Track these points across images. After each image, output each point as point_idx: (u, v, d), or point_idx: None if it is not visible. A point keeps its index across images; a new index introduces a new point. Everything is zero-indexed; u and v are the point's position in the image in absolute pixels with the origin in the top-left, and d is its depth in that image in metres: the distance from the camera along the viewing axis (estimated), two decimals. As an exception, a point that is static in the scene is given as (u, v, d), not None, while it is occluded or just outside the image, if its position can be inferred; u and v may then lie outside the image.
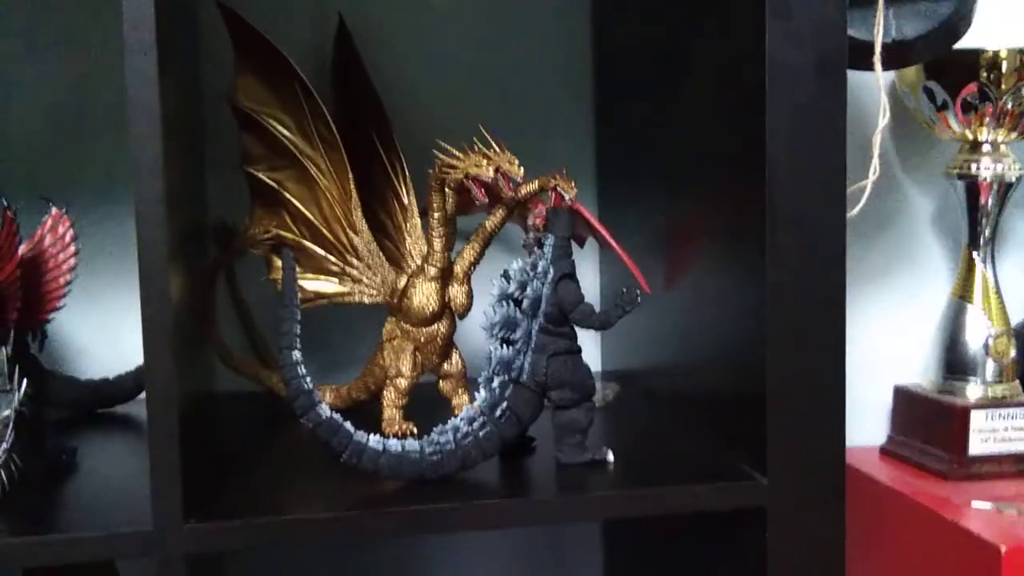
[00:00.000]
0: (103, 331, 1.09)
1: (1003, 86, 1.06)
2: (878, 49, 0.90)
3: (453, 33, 1.13)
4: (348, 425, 0.73)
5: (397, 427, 0.87)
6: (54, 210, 0.93)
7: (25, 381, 0.77)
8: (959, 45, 0.99)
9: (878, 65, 0.90)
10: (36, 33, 1.06)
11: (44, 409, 0.91)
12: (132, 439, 0.97)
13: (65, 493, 0.79)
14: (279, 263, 0.94)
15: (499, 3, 1.13)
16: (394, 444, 0.75)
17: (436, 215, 0.86)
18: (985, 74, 1.06)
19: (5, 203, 0.82)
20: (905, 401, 1.16)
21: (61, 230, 0.92)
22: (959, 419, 1.08)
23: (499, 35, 1.14)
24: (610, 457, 0.80)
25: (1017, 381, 1.12)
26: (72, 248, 0.93)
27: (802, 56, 0.73)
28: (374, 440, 0.74)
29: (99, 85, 1.07)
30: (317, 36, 1.05)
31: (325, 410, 0.73)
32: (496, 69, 1.14)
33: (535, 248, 0.80)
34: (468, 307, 0.90)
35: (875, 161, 0.90)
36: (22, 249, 0.87)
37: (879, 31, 0.89)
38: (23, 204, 0.87)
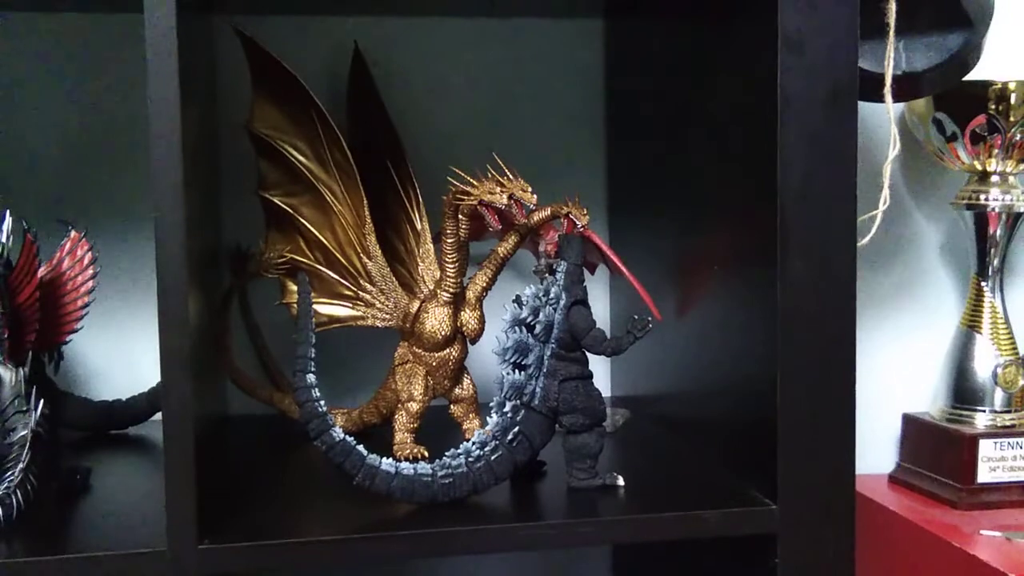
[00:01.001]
0: (117, 353, 1.09)
1: (1012, 118, 1.07)
2: (888, 81, 0.90)
3: (467, 62, 1.14)
4: (361, 448, 0.74)
5: (408, 450, 0.87)
6: (73, 233, 0.93)
7: (42, 402, 0.78)
8: (968, 77, 1.00)
9: (888, 97, 0.90)
10: (56, 57, 1.07)
11: (59, 430, 0.91)
12: (146, 460, 0.98)
13: (79, 513, 0.79)
14: (293, 287, 0.95)
15: (513, 32, 1.14)
16: (406, 467, 0.75)
17: (449, 241, 0.87)
18: (994, 106, 1.07)
19: (25, 226, 0.83)
20: (914, 429, 1.16)
21: (80, 253, 0.93)
22: (968, 447, 1.08)
23: (513, 64, 1.15)
24: (620, 482, 0.80)
25: (1026, 410, 1.12)
26: (90, 271, 0.93)
27: (814, 88, 0.73)
28: (386, 463, 0.74)
29: (118, 109, 1.08)
30: (333, 64, 1.06)
31: (338, 433, 0.73)
32: (509, 97, 1.15)
33: (547, 274, 0.80)
34: (480, 332, 0.90)
35: (885, 191, 0.91)
36: (41, 272, 0.88)
37: (889, 64, 0.90)
38: (43, 227, 0.88)
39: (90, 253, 0.93)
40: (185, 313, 0.68)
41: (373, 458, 0.74)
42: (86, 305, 0.93)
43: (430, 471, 0.75)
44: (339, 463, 0.73)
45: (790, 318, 0.74)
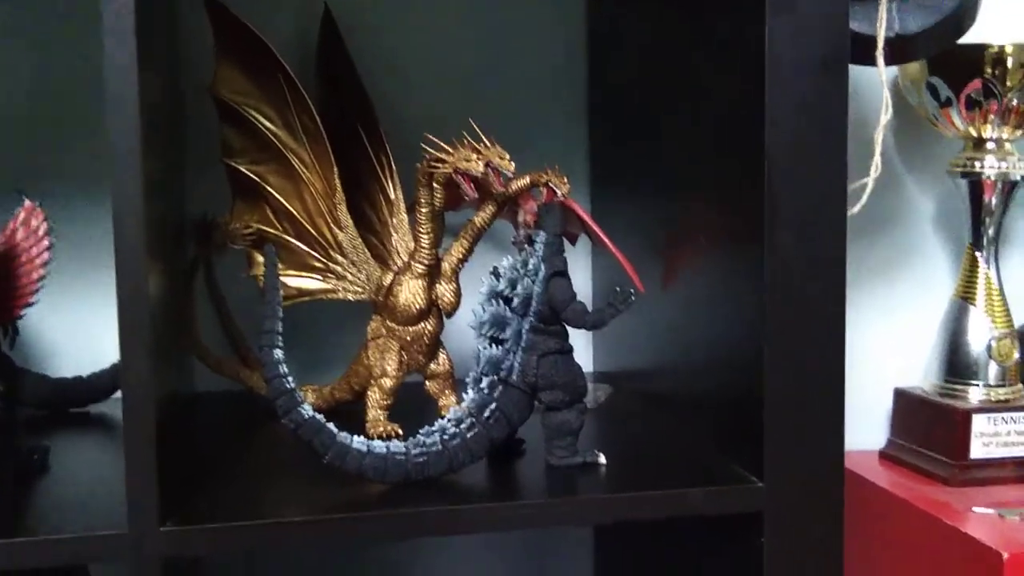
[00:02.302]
0: (77, 328, 1.09)
1: (1008, 83, 1.07)
2: (880, 44, 0.90)
3: (443, 23, 1.13)
4: (331, 426, 0.74)
5: (382, 428, 0.87)
6: (27, 202, 0.93)
7: (-3, 379, 0.77)
8: (963, 40, 1.00)
9: (880, 60, 0.90)
10: (10, 20, 1.06)
11: (15, 408, 0.91)
12: (106, 439, 0.97)
13: (37, 495, 0.79)
14: (260, 259, 0.94)
15: (491, -8, 1.14)
16: (379, 445, 0.75)
17: (423, 210, 0.86)
18: (990, 70, 1.07)
19: (-24, 195, 0.82)
20: (906, 404, 1.17)
21: (34, 223, 0.92)
22: (961, 423, 1.09)
23: (491, 25, 1.14)
24: (602, 460, 0.80)
25: (1020, 384, 1.13)
26: (45, 242, 0.92)
27: (803, 50, 0.73)
28: (358, 441, 0.74)
29: (75, 74, 1.06)
30: (301, 25, 1.05)
31: (307, 410, 0.73)
32: (487, 61, 1.14)
33: (526, 245, 0.80)
34: (456, 305, 0.90)
35: (876, 158, 0.91)
36: (-6, 243, 0.87)
37: (882, 25, 0.90)
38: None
39: (45, 223, 0.93)
40: (144, 286, 0.67)
41: (344, 436, 0.74)
42: (42, 278, 0.92)
43: (403, 449, 0.75)
44: (308, 441, 0.73)
45: (777, 290, 0.74)
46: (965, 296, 1.14)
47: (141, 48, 0.66)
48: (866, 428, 1.19)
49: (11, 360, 0.95)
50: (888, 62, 0.91)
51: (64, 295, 1.07)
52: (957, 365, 1.13)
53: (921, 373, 1.18)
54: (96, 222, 1.07)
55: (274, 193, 0.93)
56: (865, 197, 0.90)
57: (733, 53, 0.78)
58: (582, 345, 1.06)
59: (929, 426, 1.13)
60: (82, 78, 1.06)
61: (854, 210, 0.86)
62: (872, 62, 0.91)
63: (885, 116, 0.90)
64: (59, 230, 0.96)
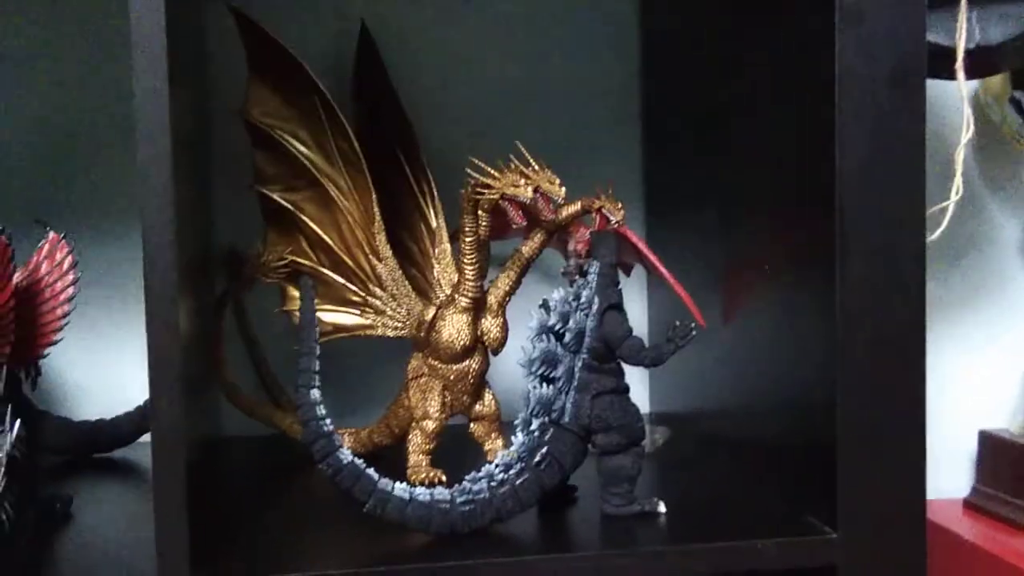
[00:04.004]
0: (102, 367, 1.10)
1: (1100, 96, 1.06)
2: (960, 56, 0.90)
3: (488, 40, 1.15)
4: (371, 471, 0.74)
5: (424, 474, 0.87)
6: (52, 234, 0.94)
7: (18, 423, 0.78)
8: (1050, 51, 0.99)
9: (960, 74, 0.90)
10: (30, 38, 1.08)
11: (37, 454, 0.92)
12: (133, 486, 0.98)
13: (60, 546, 0.80)
14: (295, 293, 0.95)
15: (540, 9, 1.14)
16: (422, 493, 0.75)
17: (468, 240, 0.86)
18: (1080, 83, 1.06)
19: (-1, 226, 0.84)
20: (992, 448, 1.15)
21: (59, 256, 0.94)
22: (1053, 469, 1.07)
23: (539, 42, 1.15)
24: (661, 508, 0.80)
25: (1118, 426, 1.11)
26: (71, 276, 0.94)
27: (876, 64, 0.73)
28: (400, 488, 0.74)
29: (101, 101, 1.09)
30: (338, 45, 1.06)
31: (347, 454, 0.74)
32: (535, 79, 1.15)
33: (577, 276, 0.80)
34: (503, 341, 0.90)
35: (957, 180, 0.90)
36: (16, 277, 0.88)
37: (961, 36, 0.89)
38: (17, 228, 0.88)
39: (71, 256, 0.94)
40: (176, 323, 0.68)
41: (385, 482, 0.74)
42: (66, 314, 0.94)
43: (448, 497, 0.75)
44: (347, 488, 0.74)
45: (850, 324, 0.74)
46: (1056, 329, 1.12)
47: (173, 71, 0.68)
48: (949, 474, 1.18)
49: (31, 403, 0.97)
50: (968, 76, 0.91)
51: (89, 333, 1.09)
52: (1048, 405, 1.12)
53: (1008, 414, 1.16)
54: (124, 255, 1.09)
55: (309, 223, 0.94)
56: (945, 222, 0.90)
57: (800, 68, 0.78)
58: (638, 384, 1.06)
59: (1018, 472, 1.11)
60: (108, 104, 1.08)
61: (933, 236, 0.86)
62: (951, 76, 0.90)
63: (966, 134, 0.90)
64: (85, 264, 0.97)
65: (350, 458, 0.74)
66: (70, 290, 0.94)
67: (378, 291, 0.93)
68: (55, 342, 0.94)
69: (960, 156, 0.90)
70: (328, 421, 0.74)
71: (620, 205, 0.84)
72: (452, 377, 0.90)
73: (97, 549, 0.79)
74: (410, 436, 0.91)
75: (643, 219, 1.15)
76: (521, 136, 0.83)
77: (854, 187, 0.73)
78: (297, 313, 0.93)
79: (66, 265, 0.94)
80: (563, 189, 0.82)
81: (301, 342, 0.76)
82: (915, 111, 0.74)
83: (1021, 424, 1.14)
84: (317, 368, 0.75)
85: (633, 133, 1.17)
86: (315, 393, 0.74)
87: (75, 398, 1.10)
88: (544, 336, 0.79)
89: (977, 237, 1.23)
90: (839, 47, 0.73)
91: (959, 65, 0.90)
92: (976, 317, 1.23)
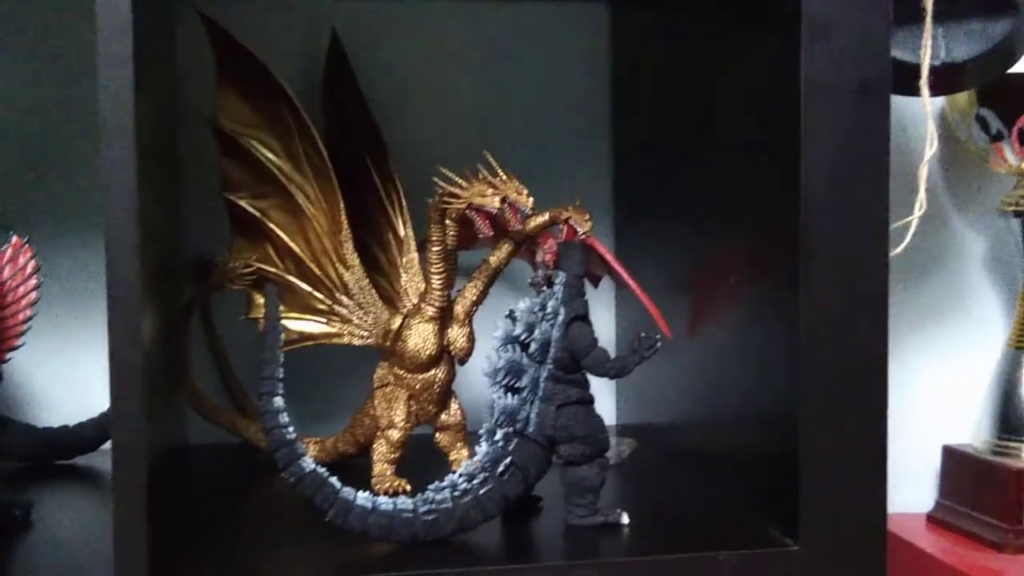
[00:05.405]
0: (64, 374, 1.09)
1: (1064, 114, 1.07)
2: (925, 72, 0.90)
3: (458, 49, 1.15)
4: (334, 480, 0.74)
5: (388, 483, 0.87)
6: (14, 238, 0.93)
7: (-23, 428, 0.78)
8: (1015, 69, 1.00)
9: (925, 90, 0.91)
10: (-2, 44, 1.08)
11: (-3, 459, 0.91)
12: (94, 495, 0.98)
13: (17, 554, 0.79)
14: (261, 300, 0.95)
15: (509, 18, 1.15)
16: (384, 502, 0.75)
17: (435, 249, 0.86)
18: (1044, 101, 1.07)
19: (-41, 231, 0.83)
20: (955, 463, 1.16)
21: (21, 261, 0.93)
22: (1015, 484, 1.08)
23: (508, 52, 1.16)
24: (625, 520, 0.80)
25: (1080, 442, 1.12)
26: (33, 281, 0.93)
27: (842, 79, 0.74)
28: (363, 497, 0.74)
29: (65, 104, 1.08)
30: (307, 52, 1.06)
31: (309, 463, 0.73)
32: (505, 89, 1.16)
33: (544, 287, 0.80)
34: (469, 351, 0.90)
35: (921, 195, 0.91)
36: (-23, 282, 0.88)
37: (927, 52, 0.90)
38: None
39: (33, 261, 0.93)
40: (139, 329, 0.68)
41: (348, 491, 0.74)
42: (28, 319, 0.93)
43: (411, 506, 0.75)
44: (309, 497, 0.73)
45: (815, 337, 0.75)
46: (1019, 344, 1.13)
47: (139, 75, 0.67)
48: (912, 488, 1.19)
49: (-8, 408, 0.96)
50: (934, 92, 0.91)
51: (52, 338, 1.08)
52: (1011, 420, 1.12)
53: (972, 429, 1.17)
54: (87, 260, 1.08)
55: (276, 230, 0.93)
56: (909, 237, 0.90)
57: (766, 81, 0.79)
58: (604, 395, 1.06)
59: (981, 487, 1.12)
60: (72, 107, 1.08)
61: (897, 251, 0.86)
62: (916, 92, 0.91)
63: (930, 150, 0.90)
64: (48, 268, 0.96)
65: (312, 466, 0.73)
66: (32, 295, 0.93)
67: (345, 299, 0.93)
68: (17, 347, 0.93)
69: (924, 172, 0.91)
70: (291, 429, 0.73)
71: (588, 216, 0.84)
72: (418, 386, 0.90)
73: (55, 558, 0.78)
74: (375, 445, 0.90)
75: (612, 230, 1.16)
76: (490, 146, 0.84)
77: (819, 200, 0.74)
78: (263, 321, 0.93)
79: (29, 269, 0.93)
80: (531, 199, 0.82)
81: (265, 349, 0.76)
82: (880, 125, 0.75)
83: (984, 439, 1.14)
84: (281, 376, 0.75)
85: (602, 144, 1.17)
86: (279, 401, 0.74)
87: (37, 404, 1.09)
88: (510, 346, 0.79)
89: (941, 252, 1.24)
90: (805, 61, 0.73)
91: (924, 81, 0.91)
92: (940, 332, 1.24)
